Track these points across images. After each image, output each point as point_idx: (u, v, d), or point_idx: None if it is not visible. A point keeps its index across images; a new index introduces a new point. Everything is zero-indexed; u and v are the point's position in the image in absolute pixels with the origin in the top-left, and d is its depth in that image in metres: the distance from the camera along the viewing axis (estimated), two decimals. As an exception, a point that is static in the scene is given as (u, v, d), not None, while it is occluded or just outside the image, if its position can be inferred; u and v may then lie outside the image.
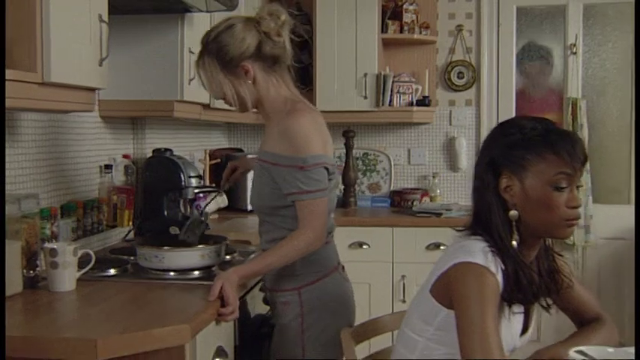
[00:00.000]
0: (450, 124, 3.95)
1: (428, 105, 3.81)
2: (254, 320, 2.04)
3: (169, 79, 2.47)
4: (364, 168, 3.99)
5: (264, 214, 1.94)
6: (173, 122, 3.14)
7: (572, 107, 3.73)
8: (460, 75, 3.90)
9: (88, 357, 1.27)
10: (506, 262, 1.46)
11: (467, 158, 3.87)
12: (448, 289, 1.45)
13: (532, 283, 1.49)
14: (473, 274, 1.41)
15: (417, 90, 3.83)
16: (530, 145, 1.47)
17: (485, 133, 2.72)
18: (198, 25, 2.58)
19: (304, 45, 3.80)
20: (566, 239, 1.61)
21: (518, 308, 1.50)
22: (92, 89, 1.85)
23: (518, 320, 1.54)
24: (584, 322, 1.68)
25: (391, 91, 3.77)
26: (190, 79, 2.50)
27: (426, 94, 3.84)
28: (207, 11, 2.50)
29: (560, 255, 1.65)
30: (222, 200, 3.11)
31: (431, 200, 3.82)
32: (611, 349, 1.45)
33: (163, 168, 2.65)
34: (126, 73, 2.48)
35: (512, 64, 3.90)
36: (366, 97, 3.64)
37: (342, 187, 3.80)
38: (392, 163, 3.95)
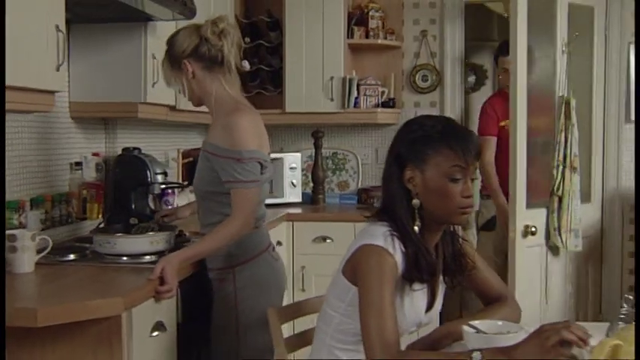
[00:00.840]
0: (416, 125, 4.12)
1: (393, 107, 4.00)
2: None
3: (134, 83, 2.66)
4: (334, 167, 4.18)
5: (202, 197, 2.25)
6: (146, 123, 3.33)
7: (566, 106, 3.84)
8: (424, 78, 4.09)
9: (30, 323, 1.48)
10: (407, 245, 1.64)
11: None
12: (354, 268, 1.64)
13: (430, 264, 1.67)
14: (373, 254, 1.60)
15: (382, 92, 4.02)
16: (430, 141, 1.66)
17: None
18: (161, 33, 2.76)
19: (275, 50, 4.00)
20: (460, 225, 1.78)
21: (418, 286, 1.69)
22: (51, 92, 2.04)
23: (421, 298, 1.72)
24: (489, 301, 1.86)
25: (358, 93, 3.97)
26: (154, 83, 2.70)
27: (392, 97, 4.03)
28: (168, 20, 2.69)
29: (465, 240, 1.84)
30: (193, 196, 3.31)
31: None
32: (500, 323, 1.63)
33: (131, 165, 2.86)
34: (94, 77, 2.68)
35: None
36: (332, 100, 3.84)
37: (312, 184, 3.99)
38: (360, 163, 4.15)
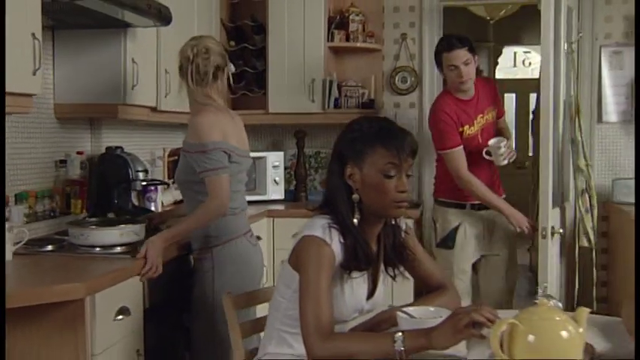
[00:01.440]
0: (396, 125, 4.27)
1: (372, 108, 4.14)
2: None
3: (114, 85, 2.83)
4: (316, 165, 4.34)
5: (183, 188, 2.59)
6: (132, 123, 3.49)
7: (575, 106, 3.96)
8: (404, 80, 4.24)
9: (-1, 304, 1.64)
10: (346, 236, 1.78)
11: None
12: (297, 258, 1.79)
13: (367, 254, 1.81)
14: (312, 245, 1.74)
15: (363, 94, 4.17)
16: (367, 141, 1.80)
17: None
18: (142, 38, 2.94)
19: (259, 53, 4.15)
20: (397, 218, 1.91)
21: (357, 274, 1.83)
22: (29, 95, 2.20)
23: (362, 286, 1.86)
24: (431, 290, 2.00)
25: (340, 94, 4.12)
26: (133, 85, 2.86)
27: (372, 98, 4.17)
28: (147, 26, 2.85)
29: (407, 233, 1.98)
30: (177, 193, 3.49)
31: (377, 195, 4.14)
32: (432, 309, 1.77)
33: (113, 163, 3.05)
34: (77, 79, 2.85)
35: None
36: (313, 101, 3.99)
37: (294, 182, 4.15)
38: (341, 161, 4.29)
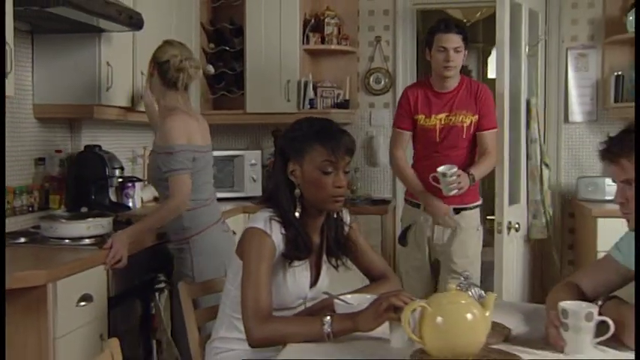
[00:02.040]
0: (370, 125, 4.43)
1: (347, 107, 4.29)
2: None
3: (89, 87, 2.98)
4: (294, 163, 4.47)
5: (155, 184, 2.85)
6: (113, 123, 3.64)
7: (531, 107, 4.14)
8: (378, 80, 4.38)
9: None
10: (288, 228, 1.93)
11: (384, 155, 4.33)
12: (241, 248, 1.94)
13: (306, 244, 1.95)
14: (254, 236, 1.89)
15: (338, 94, 4.31)
16: (306, 140, 1.94)
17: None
18: (117, 42, 3.09)
19: (238, 54, 4.30)
20: (335, 211, 2.05)
21: (298, 263, 1.97)
22: (1, 96, 2.35)
23: (304, 275, 1.99)
24: (374, 279, 2.14)
25: (315, 95, 4.26)
26: (108, 87, 3.01)
27: (347, 98, 4.32)
28: (121, 31, 2.99)
29: (350, 226, 2.12)
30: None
31: (352, 192, 4.29)
32: (368, 296, 1.91)
33: (90, 161, 3.22)
34: (55, 81, 3.00)
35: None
36: (289, 101, 4.14)
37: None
38: (317, 159, 4.44)
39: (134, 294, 2.55)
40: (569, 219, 4.26)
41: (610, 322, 1.64)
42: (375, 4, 4.40)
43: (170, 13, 3.74)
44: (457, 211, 3.12)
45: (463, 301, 1.57)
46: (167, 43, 2.83)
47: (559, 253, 4.24)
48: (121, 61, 3.16)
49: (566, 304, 1.68)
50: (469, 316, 1.54)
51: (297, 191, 1.96)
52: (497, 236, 3.45)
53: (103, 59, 2.99)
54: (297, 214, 1.95)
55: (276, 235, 1.91)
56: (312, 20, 4.26)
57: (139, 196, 3.63)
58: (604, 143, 1.85)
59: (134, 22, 2.87)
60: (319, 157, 1.91)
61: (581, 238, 4.10)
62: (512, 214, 3.62)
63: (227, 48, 4.33)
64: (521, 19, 3.75)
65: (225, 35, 4.36)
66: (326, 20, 4.26)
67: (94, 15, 2.58)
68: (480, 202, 3.20)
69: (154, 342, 2.61)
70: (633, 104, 3.88)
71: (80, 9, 2.46)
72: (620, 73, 3.99)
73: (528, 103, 4.00)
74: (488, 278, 3.50)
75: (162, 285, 2.63)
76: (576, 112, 4.17)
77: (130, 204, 3.50)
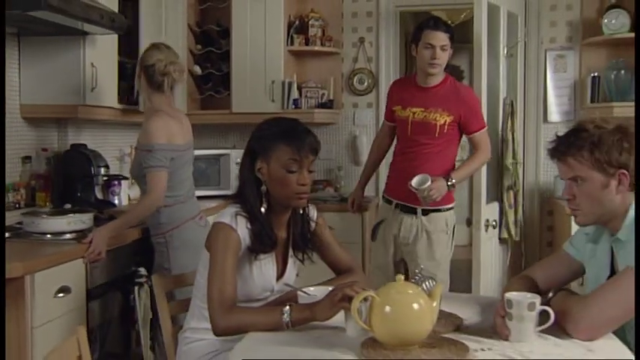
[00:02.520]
0: (354, 124, 4.53)
1: (331, 107, 4.38)
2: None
3: (74, 87, 3.08)
4: (279, 162, 4.57)
5: (137, 180, 2.98)
6: (100, 122, 3.74)
7: (510, 107, 4.24)
8: (361, 81, 4.48)
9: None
10: (253, 223, 2.03)
11: (367, 154, 4.41)
12: (209, 242, 2.03)
13: (271, 238, 2.05)
14: (220, 230, 1.99)
15: (322, 94, 4.41)
16: (273, 139, 2.04)
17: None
18: (101, 44, 3.19)
19: (225, 56, 4.39)
20: (298, 208, 2.14)
21: (263, 256, 2.06)
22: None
23: (270, 267, 2.09)
24: (340, 272, 2.23)
25: (300, 95, 4.36)
26: (92, 88, 3.11)
27: (331, 98, 4.41)
28: (104, 34, 3.09)
29: (317, 222, 2.21)
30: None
31: (335, 190, 4.39)
32: (330, 288, 2.00)
33: (76, 159, 3.31)
34: (42, 82, 3.10)
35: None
36: (273, 101, 4.24)
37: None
38: (302, 158, 4.54)
39: (114, 287, 2.64)
40: (547, 217, 4.35)
41: (550, 311, 1.73)
42: (358, 6, 4.50)
43: (160, 15, 3.84)
44: (426, 212, 3.13)
45: (410, 291, 1.66)
46: (154, 46, 2.94)
47: (538, 250, 4.34)
48: (106, 62, 3.25)
49: (511, 294, 1.77)
50: (415, 305, 1.63)
51: (263, 188, 2.05)
52: (475, 233, 3.55)
53: (88, 60, 3.09)
54: (263, 209, 2.05)
55: (242, 229, 2.00)
56: (297, 22, 4.35)
57: (126, 194, 3.73)
58: (552, 142, 1.95)
59: (116, 25, 2.97)
60: (285, 156, 2.00)
61: (558, 235, 4.19)
62: (490, 212, 3.71)
63: (214, 49, 4.42)
64: (499, 21, 3.84)
65: (212, 37, 4.46)
66: (310, 22, 4.35)
67: (76, 18, 2.67)
68: (452, 205, 3.19)
69: (134, 334, 2.71)
70: (609, 104, 3.98)
71: (62, 12, 2.55)
72: (596, 74, 4.08)
73: (508, 102, 4.10)
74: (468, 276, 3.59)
75: (143, 279, 2.72)
76: (554, 112, 4.26)
77: (116, 201, 3.60)
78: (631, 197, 1.87)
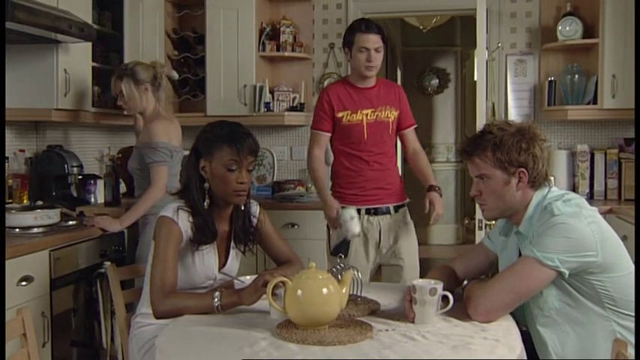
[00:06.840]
0: (325, 126, 4.71)
1: (302, 110, 4.57)
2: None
3: (47, 92, 3.29)
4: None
5: (134, 173, 3.30)
6: (80, 125, 3.95)
7: (492, 109, 4.42)
8: (331, 85, 4.66)
9: None
10: (196, 216, 2.22)
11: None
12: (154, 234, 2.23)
13: (211, 231, 2.25)
14: (163, 223, 2.19)
15: (294, 98, 4.60)
16: (216, 140, 2.23)
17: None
18: (75, 51, 3.40)
19: (201, 61, 4.59)
20: (238, 204, 2.33)
21: (205, 247, 2.26)
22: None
23: (211, 258, 2.28)
24: (280, 263, 2.44)
25: (273, 98, 4.56)
26: (66, 92, 3.32)
27: (302, 102, 4.61)
28: (75, 42, 3.29)
29: (255, 217, 2.41)
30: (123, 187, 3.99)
31: (306, 190, 4.59)
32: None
33: (51, 159, 3.52)
34: (17, 87, 3.29)
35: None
36: (245, 104, 4.43)
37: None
38: (275, 159, 4.74)
39: (80, 278, 2.85)
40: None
41: (450, 295, 1.93)
42: (329, 14, 4.70)
43: (138, 21, 4.05)
44: (396, 209, 3.25)
45: (320, 277, 1.86)
46: (142, 64, 3.32)
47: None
48: (79, 69, 3.46)
49: (416, 281, 1.97)
50: (324, 290, 1.83)
51: (206, 185, 2.25)
52: (478, 233, 3.76)
53: (61, 67, 3.30)
54: (205, 204, 2.25)
55: (183, 222, 2.20)
56: (269, 29, 4.55)
57: (101, 192, 3.92)
58: (463, 143, 2.15)
59: (85, 34, 3.17)
60: (226, 157, 2.20)
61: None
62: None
63: (190, 55, 4.63)
64: (483, 27, 4.01)
65: (189, 43, 4.66)
66: (282, 29, 4.55)
67: (45, 29, 2.87)
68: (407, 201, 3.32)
69: (95, 323, 2.91)
70: (563, 107, 4.17)
71: (30, 24, 2.76)
72: (552, 78, 4.26)
73: (490, 106, 4.34)
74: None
75: (104, 270, 2.90)
76: (515, 115, 4.44)
77: (92, 199, 3.81)
78: (531, 194, 2.06)
